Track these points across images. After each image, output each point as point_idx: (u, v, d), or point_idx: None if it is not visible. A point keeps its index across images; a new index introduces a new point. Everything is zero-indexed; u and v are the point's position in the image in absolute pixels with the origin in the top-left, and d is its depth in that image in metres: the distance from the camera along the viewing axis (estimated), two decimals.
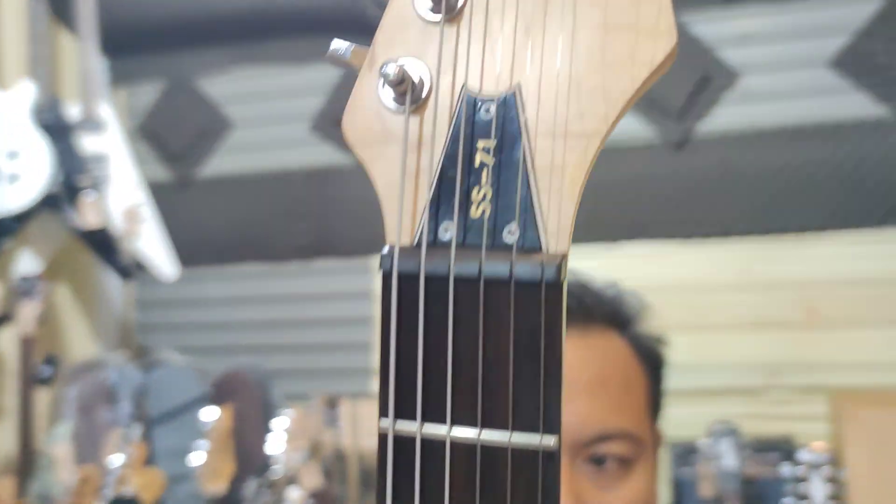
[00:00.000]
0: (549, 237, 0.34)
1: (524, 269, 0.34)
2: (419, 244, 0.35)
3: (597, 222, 2.67)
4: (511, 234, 0.35)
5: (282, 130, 3.03)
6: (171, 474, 2.48)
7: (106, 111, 2.68)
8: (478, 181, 0.35)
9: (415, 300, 0.35)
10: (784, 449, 2.29)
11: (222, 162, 3.07)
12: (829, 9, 2.56)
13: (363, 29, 2.88)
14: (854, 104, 2.54)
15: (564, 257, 0.34)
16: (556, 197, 0.34)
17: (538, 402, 0.32)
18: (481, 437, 0.33)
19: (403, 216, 0.36)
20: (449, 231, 0.35)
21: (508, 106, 0.35)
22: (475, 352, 0.34)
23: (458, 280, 0.34)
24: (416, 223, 0.36)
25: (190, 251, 2.97)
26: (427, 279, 0.35)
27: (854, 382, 2.48)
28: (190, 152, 3.08)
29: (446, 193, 0.36)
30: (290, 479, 2.20)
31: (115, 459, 2.28)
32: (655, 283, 2.63)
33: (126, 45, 3.01)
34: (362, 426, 2.71)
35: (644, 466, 0.89)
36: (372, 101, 0.37)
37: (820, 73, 2.56)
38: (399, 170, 0.36)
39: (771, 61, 2.63)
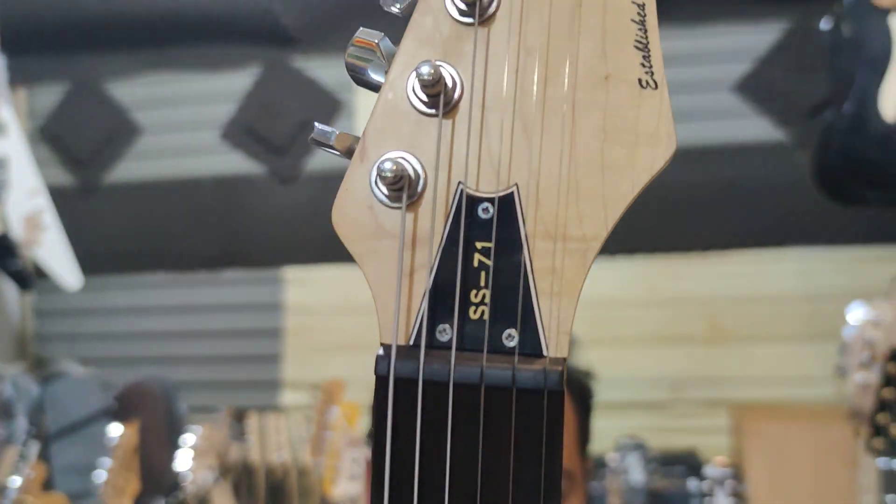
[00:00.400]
0: (549, 341, 0.34)
1: (527, 376, 0.33)
2: (415, 345, 0.35)
3: None
4: (511, 338, 0.34)
5: (191, 137, 2.95)
6: (71, 493, 2.38)
7: (5, 111, 2.56)
8: (476, 283, 0.35)
9: (411, 405, 0.34)
10: (689, 463, 2.36)
11: (129, 168, 2.98)
12: (733, 35, 2.66)
13: (276, 38, 2.84)
14: (756, 128, 2.64)
15: (565, 362, 0.34)
16: (556, 300, 0.34)
17: None
18: None
19: (396, 314, 0.36)
20: (446, 333, 0.35)
21: (507, 206, 0.35)
22: (474, 459, 0.33)
23: (457, 386, 0.34)
24: (411, 323, 0.35)
25: (93, 259, 2.86)
26: (425, 384, 0.34)
27: (754, 396, 2.58)
28: (95, 157, 2.97)
29: (443, 294, 0.35)
30: (201, 501, 2.14)
31: (11, 482, 2.17)
32: None
33: (28, 43, 2.88)
34: (270, 440, 2.67)
35: (576, 501, 0.91)
36: (364, 194, 0.36)
37: (724, 96, 2.66)
38: (393, 267, 0.36)
39: (677, 83, 2.72)
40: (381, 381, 0.35)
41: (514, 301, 0.35)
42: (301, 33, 2.85)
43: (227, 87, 2.92)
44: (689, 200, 2.64)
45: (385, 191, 0.36)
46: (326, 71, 2.89)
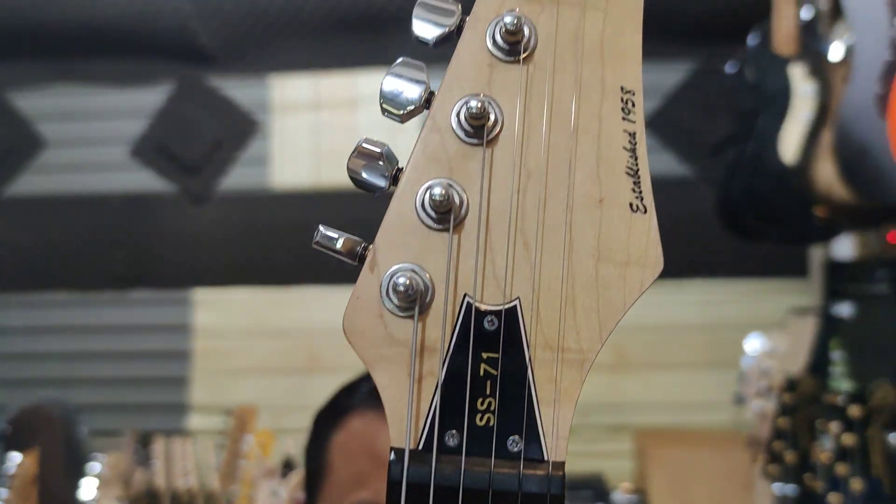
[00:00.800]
0: (550, 446, 0.37)
1: (532, 482, 0.36)
2: (425, 449, 0.37)
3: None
4: (515, 444, 0.37)
5: (99, 153, 2.88)
6: None
7: None
8: (482, 391, 0.37)
9: None
10: (595, 487, 2.43)
11: (32, 181, 2.88)
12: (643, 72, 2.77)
13: (192, 55, 2.80)
14: (661, 163, 2.75)
15: (564, 465, 0.37)
16: (556, 407, 0.37)
17: None
18: None
19: (406, 420, 0.38)
20: (454, 438, 0.37)
21: (511, 318, 0.37)
22: None
23: (466, 490, 0.36)
24: (420, 427, 0.38)
25: None
26: (435, 488, 0.36)
27: (657, 421, 2.68)
28: None
29: (451, 401, 0.37)
30: None
31: None
32: None
33: None
34: (176, 465, 2.62)
35: None
36: (375, 304, 0.38)
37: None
38: (403, 373, 0.38)
39: None
40: (394, 486, 0.37)
41: (518, 409, 0.38)
42: (218, 52, 2.82)
43: (140, 102, 2.86)
44: None
45: (396, 301, 0.39)
46: (242, 91, 2.86)
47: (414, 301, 0.38)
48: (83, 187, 2.87)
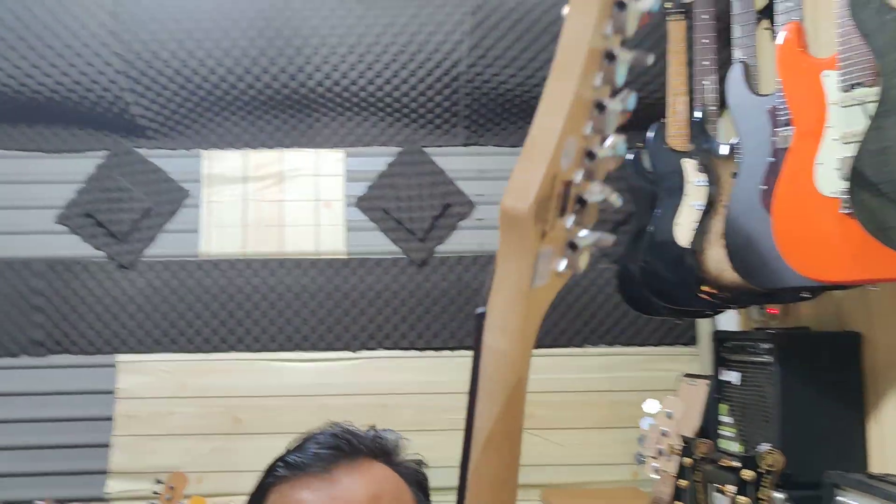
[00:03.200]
0: None
1: None
2: None
3: None
4: None
5: (25, 217, 2.91)
6: None
7: None
8: None
9: None
10: None
11: None
12: None
13: (125, 126, 2.89)
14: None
15: None
16: None
17: None
18: None
19: None
20: None
21: None
22: None
23: None
24: None
25: None
26: None
27: (562, 480, 2.86)
28: None
29: None
30: None
31: None
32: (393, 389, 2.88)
33: None
34: None
35: None
36: None
37: None
38: None
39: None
40: None
41: None
42: (151, 124, 2.92)
43: (70, 169, 2.92)
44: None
45: None
46: (173, 161, 2.96)
47: None
48: (6, 252, 2.89)
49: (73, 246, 2.92)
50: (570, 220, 0.53)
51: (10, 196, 2.93)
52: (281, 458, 1.02)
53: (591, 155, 0.53)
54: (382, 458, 1.06)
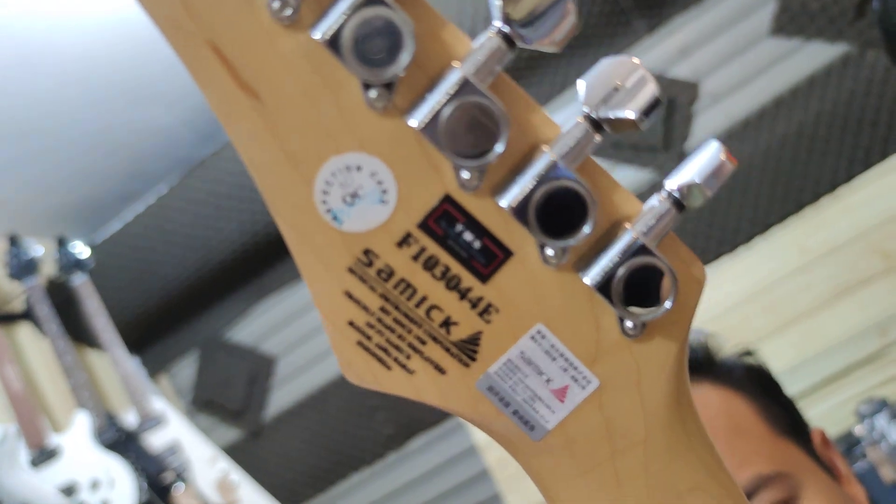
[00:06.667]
0: None
1: None
2: None
3: None
4: None
5: (322, 339, 3.04)
6: None
7: (159, 402, 2.70)
8: None
9: None
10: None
11: (281, 396, 3.07)
12: None
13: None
14: (811, 58, 2.55)
15: None
16: None
17: None
18: None
19: None
20: None
21: None
22: None
23: None
24: None
25: (290, 491, 2.93)
26: None
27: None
28: (248, 404, 3.09)
29: None
30: None
31: None
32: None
33: (154, 331, 3.11)
34: None
35: (812, 494, 0.79)
36: None
37: (765, 43, 2.59)
38: None
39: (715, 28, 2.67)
40: None
41: None
42: None
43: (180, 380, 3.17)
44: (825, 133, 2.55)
45: None
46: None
47: None
48: (325, 377, 3.03)
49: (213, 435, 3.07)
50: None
51: (298, 331, 3.07)
52: None
53: None
54: (698, 372, 0.80)
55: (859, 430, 2.18)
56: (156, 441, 2.64)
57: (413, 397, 0.37)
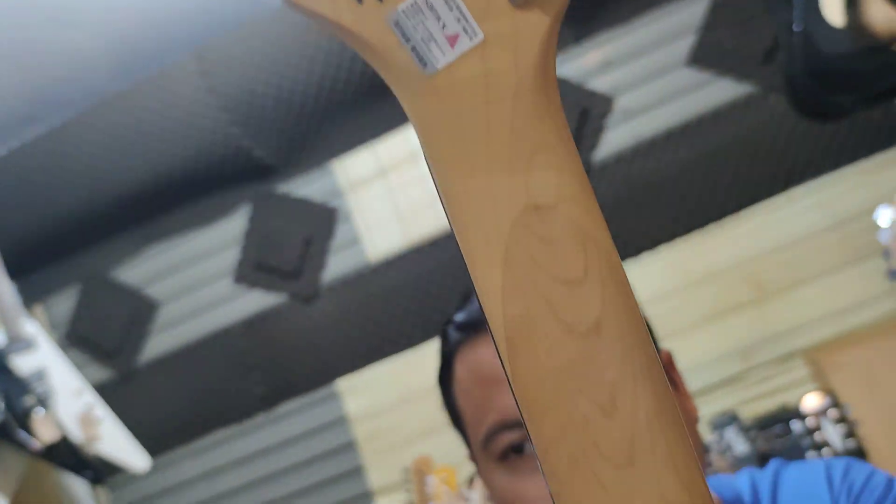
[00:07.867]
0: None
1: None
2: None
3: None
4: None
5: (208, 293, 3.02)
6: None
7: (32, 327, 2.63)
8: None
9: None
10: (784, 419, 2.33)
11: (158, 342, 3.03)
12: (669, 16, 2.76)
13: (254, 169, 2.93)
14: (720, 91, 2.70)
15: None
16: None
17: None
18: None
19: None
20: None
21: None
22: None
23: None
24: None
25: (154, 439, 2.89)
26: None
27: (821, 337, 2.56)
28: (123, 345, 3.03)
29: None
30: None
31: None
32: None
33: (31, 260, 2.99)
34: None
35: None
36: None
37: (681, 73, 2.74)
38: None
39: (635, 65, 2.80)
40: None
41: None
42: (276, 160, 2.95)
43: (227, 233, 3.01)
44: (690, 175, 2.68)
45: None
46: (310, 187, 2.98)
47: None
48: (206, 329, 3.00)
49: (258, 300, 2.98)
50: None
51: (186, 280, 3.04)
52: (449, 322, 0.96)
53: None
54: None
55: (710, 440, 2.31)
56: (23, 364, 2.57)
57: (331, 17, 0.44)
